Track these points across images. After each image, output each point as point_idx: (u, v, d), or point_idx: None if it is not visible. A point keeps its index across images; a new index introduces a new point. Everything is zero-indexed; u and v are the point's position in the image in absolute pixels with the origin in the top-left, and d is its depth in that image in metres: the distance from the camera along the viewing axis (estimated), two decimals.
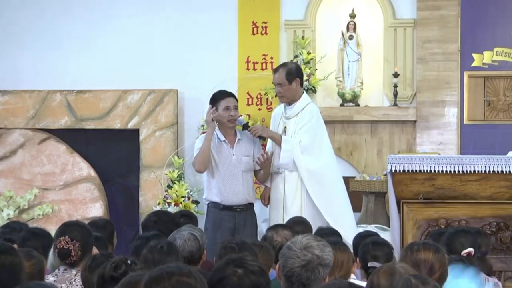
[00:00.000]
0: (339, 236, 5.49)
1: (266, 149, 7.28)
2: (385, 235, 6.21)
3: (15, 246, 4.07)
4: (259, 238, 6.53)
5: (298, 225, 5.72)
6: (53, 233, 4.83)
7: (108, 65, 8.86)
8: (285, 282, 3.58)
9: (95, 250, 4.68)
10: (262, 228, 7.17)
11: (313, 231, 5.61)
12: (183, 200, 8.30)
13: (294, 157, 6.87)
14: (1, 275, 3.42)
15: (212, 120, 6.90)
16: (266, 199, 7.15)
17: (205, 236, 4.81)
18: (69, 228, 4.63)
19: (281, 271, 3.58)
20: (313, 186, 6.88)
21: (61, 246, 4.52)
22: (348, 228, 6.69)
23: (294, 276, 3.55)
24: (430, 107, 8.44)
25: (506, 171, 6.98)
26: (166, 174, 8.47)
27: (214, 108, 6.91)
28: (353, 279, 4.36)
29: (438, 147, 8.32)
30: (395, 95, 8.44)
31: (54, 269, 4.60)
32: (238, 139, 7.00)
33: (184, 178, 8.52)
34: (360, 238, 5.24)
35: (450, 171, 7.03)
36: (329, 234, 5.27)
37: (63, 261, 4.54)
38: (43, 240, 4.84)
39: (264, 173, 7.03)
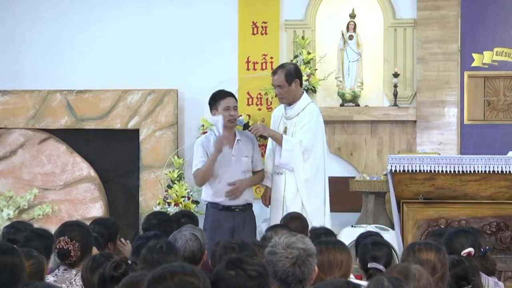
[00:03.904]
0: (334, 235, 5.50)
1: (267, 149, 7.29)
2: (387, 236, 6.20)
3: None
4: (258, 238, 6.53)
5: (295, 220, 5.75)
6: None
7: (108, 65, 8.86)
8: (280, 286, 3.59)
9: (95, 251, 4.68)
10: (262, 228, 7.17)
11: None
12: (183, 200, 8.30)
13: (294, 160, 6.87)
14: (2, 275, 3.43)
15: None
16: (267, 200, 7.15)
17: (206, 236, 4.82)
18: (69, 228, 4.63)
19: (273, 277, 3.58)
20: (306, 190, 6.90)
21: (61, 246, 4.52)
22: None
23: (289, 276, 3.56)
24: (430, 107, 8.44)
25: (506, 171, 6.98)
26: (166, 174, 8.47)
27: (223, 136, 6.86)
28: (352, 278, 4.36)
29: (438, 147, 8.32)
30: (395, 95, 8.44)
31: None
32: (238, 140, 6.99)
33: (184, 178, 8.52)
34: (361, 238, 5.24)
35: (450, 171, 7.04)
36: (324, 234, 5.28)
37: (62, 261, 4.54)
38: (45, 241, 4.84)
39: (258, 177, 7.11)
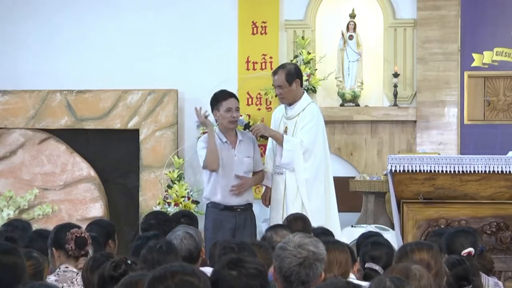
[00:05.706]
0: (332, 235, 5.50)
1: (267, 149, 7.29)
2: (387, 235, 6.20)
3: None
4: (258, 238, 6.53)
5: (298, 221, 5.74)
6: None
7: (108, 65, 8.86)
8: (283, 283, 3.58)
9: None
10: (262, 228, 7.18)
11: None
12: (183, 200, 8.29)
13: (295, 160, 6.86)
14: (3, 275, 3.43)
15: (206, 117, 6.93)
16: (267, 200, 7.15)
17: (200, 234, 4.82)
18: (68, 226, 4.67)
19: (278, 273, 3.57)
20: (307, 190, 6.89)
21: (78, 235, 4.55)
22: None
23: (293, 275, 3.55)
24: (430, 107, 8.44)
25: (506, 171, 6.99)
26: (166, 174, 8.47)
27: (200, 107, 6.93)
28: (352, 278, 4.36)
29: (438, 147, 8.32)
30: (395, 95, 8.44)
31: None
32: (240, 140, 7.00)
33: (184, 178, 8.52)
34: (362, 239, 5.25)
35: (450, 171, 7.04)
36: (322, 234, 5.28)
37: (82, 249, 4.56)
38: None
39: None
